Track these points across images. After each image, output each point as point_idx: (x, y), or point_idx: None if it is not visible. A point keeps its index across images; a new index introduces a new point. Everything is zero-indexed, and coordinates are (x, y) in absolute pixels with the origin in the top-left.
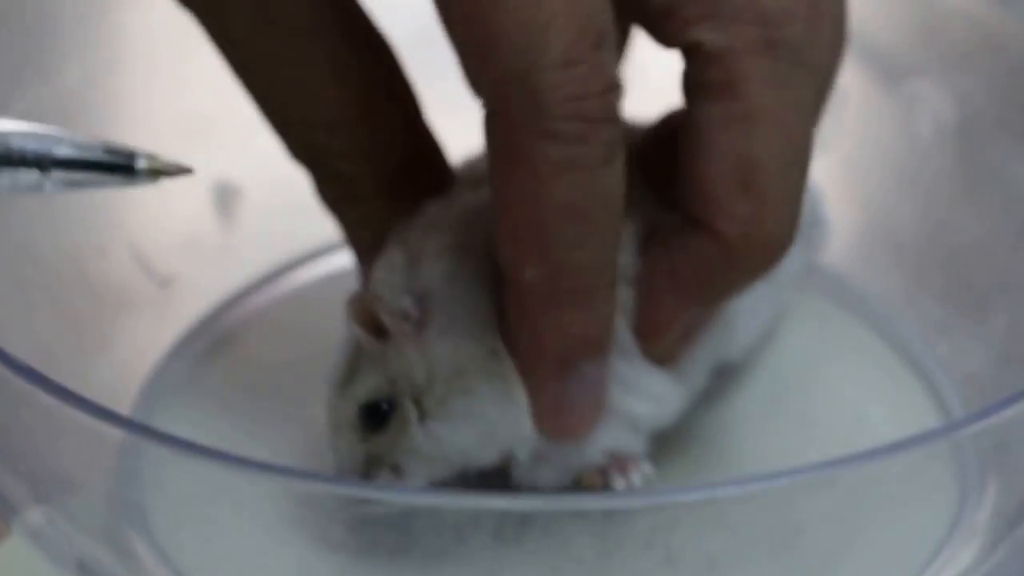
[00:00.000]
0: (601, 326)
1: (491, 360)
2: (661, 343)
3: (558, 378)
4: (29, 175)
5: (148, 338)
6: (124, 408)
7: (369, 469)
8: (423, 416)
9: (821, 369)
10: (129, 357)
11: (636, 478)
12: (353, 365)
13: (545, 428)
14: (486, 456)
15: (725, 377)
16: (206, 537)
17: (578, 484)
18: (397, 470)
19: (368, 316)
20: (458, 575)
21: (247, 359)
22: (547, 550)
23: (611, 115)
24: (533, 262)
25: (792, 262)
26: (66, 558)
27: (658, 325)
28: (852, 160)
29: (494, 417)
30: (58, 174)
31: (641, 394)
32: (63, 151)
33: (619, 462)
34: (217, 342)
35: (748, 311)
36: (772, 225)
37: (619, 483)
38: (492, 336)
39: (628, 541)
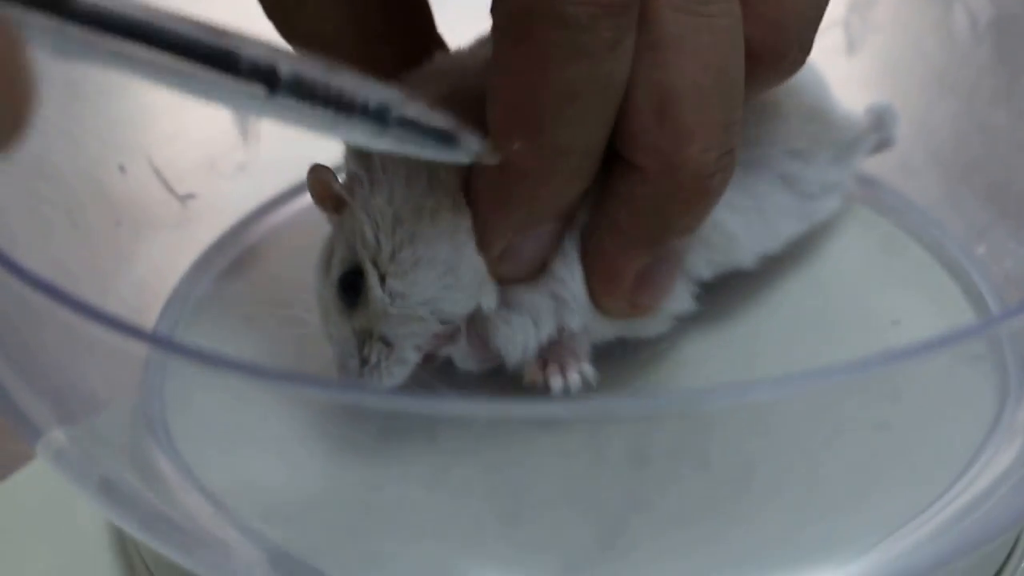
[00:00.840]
0: (572, 200)
1: (427, 198)
2: (617, 297)
3: (513, 236)
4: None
5: (169, 256)
6: (146, 325)
7: (362, 348)
8: (383, 276)
9: (857, 274)
10: (149, 275)
11: (574, 378)
12: (330, 249)
13: (493, 272)
14: (459, 305)
15: (753, 279)
16: (230, 451)
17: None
18: (385, 342)
19: (324, 188)
20: (483, 478)
21: (268, 276)
22: (578, 452)
23: (623, 1)
24: (524, 137)
25: (821, 172)
26: (89, 479)
27: (608, 278)
28: (886, 59)
29: (447, 257)
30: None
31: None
32: (410, 111)
33: (560, 361)
34: (238, 259)
35: (748, 224)
36: (696, 156)
37: (555, 382)
38: (427, 177)
39: (661, 446)
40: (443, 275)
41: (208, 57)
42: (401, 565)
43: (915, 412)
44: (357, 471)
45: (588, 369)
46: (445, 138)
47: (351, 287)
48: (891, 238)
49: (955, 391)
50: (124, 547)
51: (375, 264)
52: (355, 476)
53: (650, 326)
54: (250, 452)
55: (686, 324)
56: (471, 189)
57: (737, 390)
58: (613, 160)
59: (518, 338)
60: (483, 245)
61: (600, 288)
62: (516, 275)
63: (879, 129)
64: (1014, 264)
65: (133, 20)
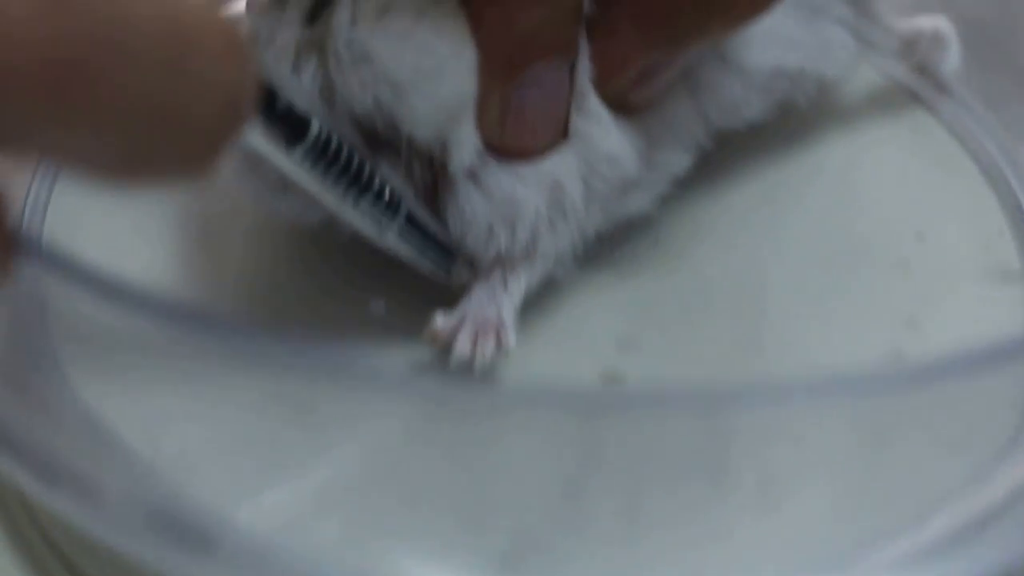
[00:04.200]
0: (560, 25)
1: None
2: (615, 83)
3: (508, 80)
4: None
5: None
6: None
7: (298, 57)
8: (355, 19)
9: (887, 170)
10: None
11: (488, 349)
12: None
13: (492, 140)
14: (418, 117)
15: (777, 173)
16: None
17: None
18: (324, 70)
19: None
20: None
21: None
22: (570, 443)
23: None
24: None
25: (826, 31)
26: None
27: (613, 61)
28: None
29: (434, 47)
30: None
31: (592, 148)
32: (417, 210)
33: (478, 322)
34: None
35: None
36: None
37: (462, 346)
38: None
39: (670, 448)
40: (418, 63)
41: None
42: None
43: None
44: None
45: (511, 339)
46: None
47: (317, 7)
48: (931, 138)
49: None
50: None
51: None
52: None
53: (640, 198)
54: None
55: (701, 223)
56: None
57: (758, 395)
58: None
59: (480, 223)
60: (479, 100)
61: (603, 69)
62: (519, 144)
63: (923, 49)
64: None
65: None
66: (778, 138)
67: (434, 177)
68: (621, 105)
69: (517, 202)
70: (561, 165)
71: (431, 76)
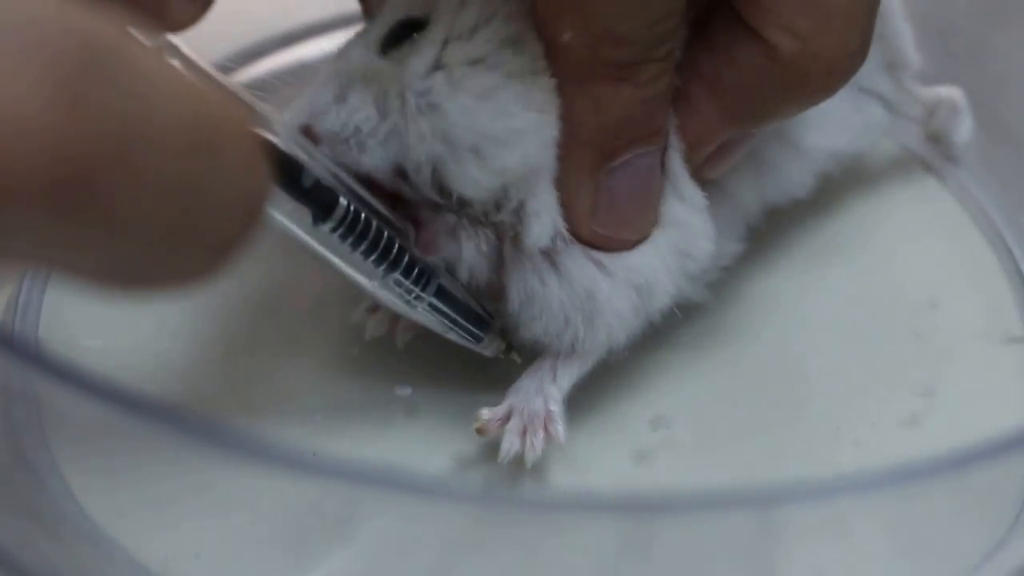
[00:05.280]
0: (651, 108)
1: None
2: (692, 159)
3: (599, 167)
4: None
5: None
6: None
7: (352, 84)
8: (439, 64)
9: (902, 239)
10: None
11: (536, 443)
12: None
13: (582, 229)
14: (476, 172)
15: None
16: None
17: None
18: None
19: None
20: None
21: None
22: (616, 539)
23: None
24: (573, 25)
25: (869, 109)
26: None
27: (692, 138)
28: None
29: (512, 116)
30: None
31: (687, 236)
32: (447, 282)
33: (526, 417)
34: None
35: (804, 146)
36: (835, 44)
37: (510, 440)
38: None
39: (718, 546)
40: (491, 127)
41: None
42: None
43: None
44: None
45: (561, 431)
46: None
47: (401, 32)
48: (938, 201)
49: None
50: None
51: (444, 45)
52: None
53: (696, 287)
54: None
55: (725, 299)
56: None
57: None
58: (729, 19)
59: (553, 311)
60: (568, 191)
61: (686, 146)
62: (614, 235)
63: (940, 117)
64: None
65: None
66: (796, 209)
67: (498, 241)
68: (693, 176)
69: (599, 297)
70: (653, 260)
71: (500, 143)
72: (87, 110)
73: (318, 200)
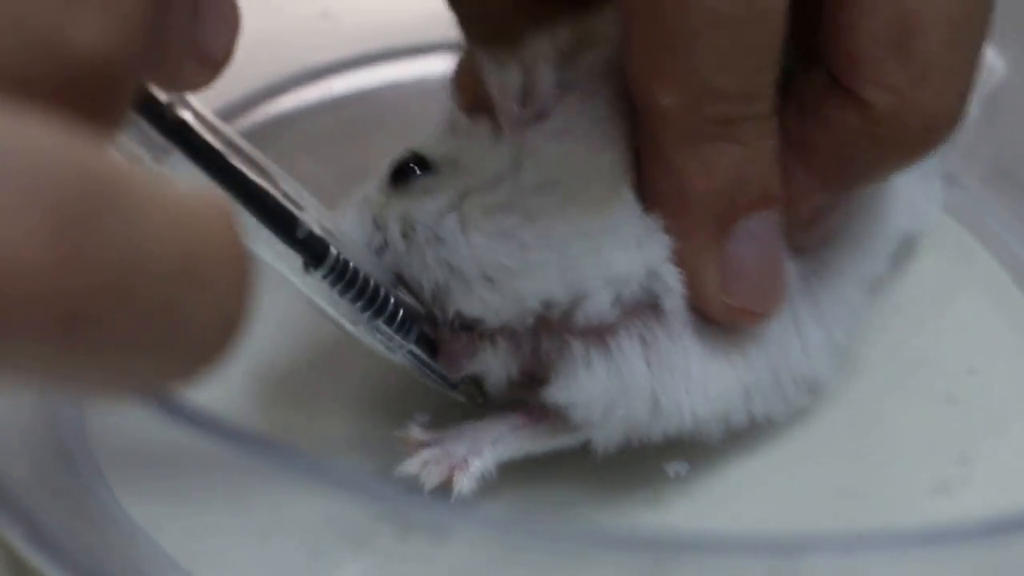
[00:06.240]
0: (760, 166)
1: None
2: (791, 225)
3: (719, 236)
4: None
5: None
6: None
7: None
8: (463, 221)
9: (938, 300)
10: None
11: (432, 479)
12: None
13: (716, 307)
14: (486, 298)
15: None
16: None
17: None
18: (407, 235)
19: (473, 83)
20: None
21: None
22: None
23: None
24: (671, 85)
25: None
26: None
27: (786, 203)
28: None
29: (531, 250)
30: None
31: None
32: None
33: (448, 458)
34: None
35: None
36: (931, 99)
37: (411, 464)
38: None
39: None
40: (504, 262)
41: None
42: None
43: None
44: None
45: (464, 482)
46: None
47: (405, 171)
48: (978, 265)
49: None
50: None
51: (462, 197)
52: None
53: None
54: None
55: None
56: (647, 194)
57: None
58: (819, 79)
59: (596, 396)
60: (691, 266)
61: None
62: (748, 307)
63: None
64: None
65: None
66: None
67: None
68: (793, 248)
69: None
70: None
71: (512, 274)
72: (83, 252)
73: (311, 248)
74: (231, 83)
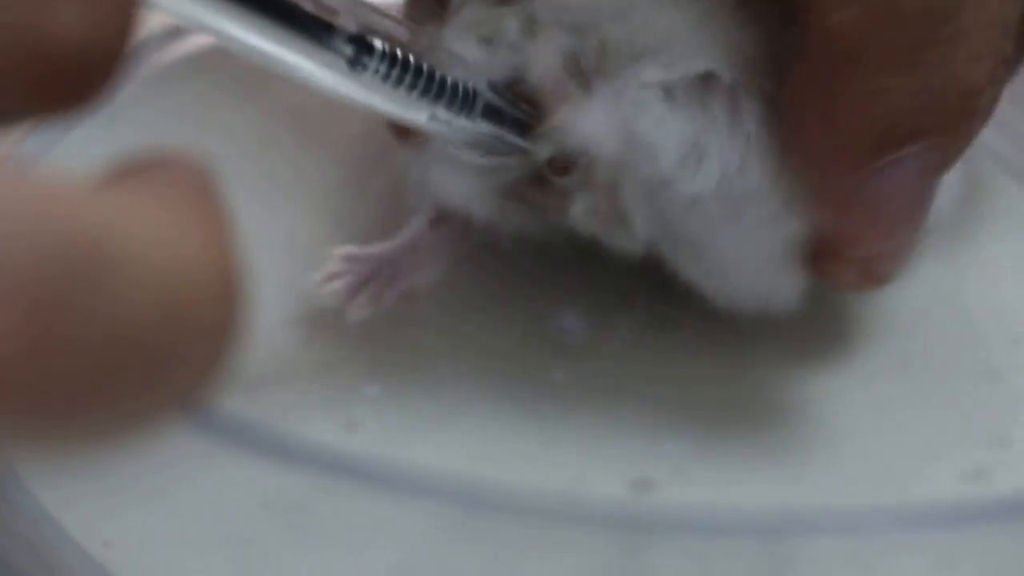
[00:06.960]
0: (935, 101)
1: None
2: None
3: (862, 165)
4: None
5: None
6: None
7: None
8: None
9: (981, 266)
10: None
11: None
12: None
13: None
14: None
15: None
16: None
17: None
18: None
19: None
20: None
21: None
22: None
23: None
24: (844, 1)
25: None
26: None
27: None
28: None
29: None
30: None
31: None
32: (492, 99)
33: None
34: None
35: None
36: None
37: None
38: None
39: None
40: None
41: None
42: None
43: None
44: None
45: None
46: (524, 126)
47: None
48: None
49: None
50: None
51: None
52: None
53: None
54: None
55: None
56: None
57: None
58: None
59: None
60: (821, 191)
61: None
62: (877, 243)
63: None
64: None
65: None
66: None
67: None
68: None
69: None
70: None
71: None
72: (57, 333)
73: (354, 46)
74: None
